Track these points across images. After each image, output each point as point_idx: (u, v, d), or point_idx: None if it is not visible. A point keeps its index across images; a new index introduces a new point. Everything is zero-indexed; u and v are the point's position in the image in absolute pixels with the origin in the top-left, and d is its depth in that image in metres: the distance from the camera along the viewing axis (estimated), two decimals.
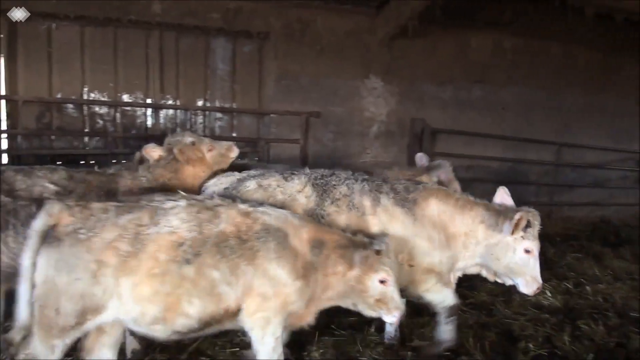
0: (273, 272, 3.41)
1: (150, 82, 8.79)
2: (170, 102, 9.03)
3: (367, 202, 4.25)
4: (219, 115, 9.34)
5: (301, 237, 3.58)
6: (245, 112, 9.42)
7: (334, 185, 4.37)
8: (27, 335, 3.20)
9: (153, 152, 4.84)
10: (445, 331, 4.53)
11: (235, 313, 3.45)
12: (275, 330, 3.51)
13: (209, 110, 9.22)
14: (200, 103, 9.18)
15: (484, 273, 4.52)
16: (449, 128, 10.44)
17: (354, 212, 4.22)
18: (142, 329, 3.42)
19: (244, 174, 4.66)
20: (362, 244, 3.65)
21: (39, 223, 3.20)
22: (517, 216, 4.03)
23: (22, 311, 3.19)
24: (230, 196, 4.12)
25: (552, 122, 11.94)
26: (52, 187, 4.04)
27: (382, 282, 3.59)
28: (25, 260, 3.18)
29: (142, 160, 4.87)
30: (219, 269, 3.31)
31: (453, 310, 4.51)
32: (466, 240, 4.29)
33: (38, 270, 3.16)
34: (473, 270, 4.56)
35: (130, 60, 8.71)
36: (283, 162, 8.84)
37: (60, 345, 3.23)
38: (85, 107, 8.68)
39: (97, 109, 8.75)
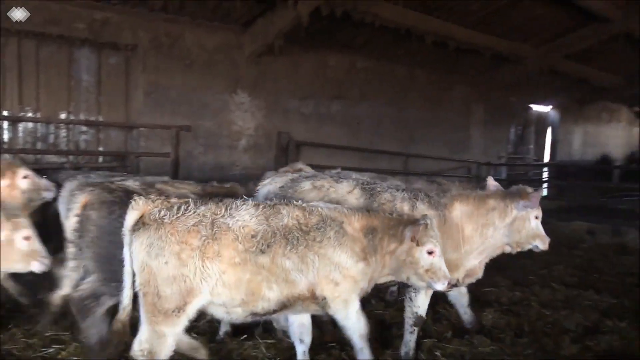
0: (337, 258, 3.84)
1: (7, 92, 8.17)
2: (29, 114, 8.44)
3: (406, 207, 4.81)
4: (84, 128, 8.96)
5: (353, 224, 4.01)
6: (113, 126, 9.16)
7: (379, 191, 4.91)
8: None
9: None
10: (408, 340, 5.00)
11: (309, 297, 3.87)
12: (354, 305, 4.03)
13: (73, 123, 8.80)
14: (63, 116, 8.71)
15: (508, 249, 5.13)
16: (311, 141, 11.19)
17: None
18: (221, 312, 3.78)
19: (296, 175, 5.13)
20: (410, 221, 4.12)
21: (129, 219, 3.57)
22: (530, 192, 4.87)
23: (125, 296, 3.66)
24: (286, 195, 4.71)
25: (399, 134, 13.34)
26: (193, 196, 4.62)
27: (430, 253, 4.03)
28: (125, 254, 3.60)
29: None
30: (290, 258, 3.70)
31: (420, 321, 5.00)
32: (483, 231, 4.88)
33: (135, 260, 3.53)
34: (498, 252, 5.15)
35: None
36: (153, 176, 8.84)
37: (170, 333, 3.55)
38: None
39: None
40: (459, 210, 4.91)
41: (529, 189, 4.96)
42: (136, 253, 3.51)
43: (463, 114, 15.30)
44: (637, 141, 25.88)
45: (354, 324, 4.08)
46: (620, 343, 5.46)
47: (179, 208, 3.59)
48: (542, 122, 19.43)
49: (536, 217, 4.99)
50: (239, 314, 3.80)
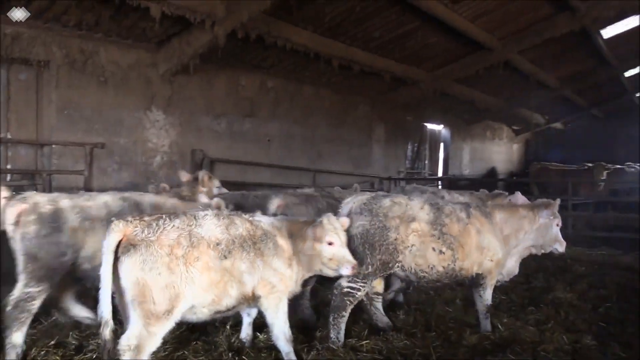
0: (275, 265, 4.58)
1: None
2: None
3: (464, 215, 5.88)
4: None
5: (283, 234, 4.75)
6: (23, 143, 8.87)
7: (442, 205, 5.96)
8: (114, 330, 3.92)
9: None
10: (486, 324, 6.27)
11: (251, 297, 4.54)
12: (284, 306, 4.75)
13: None
14: None
15: (534, 251, 6.32)
16: (224, 157, 11.47)
17: (460, 223, 5.82)
18: (189, 313, 4.26)
19: (373, 193, 6.14)
20: (311, 222, 4.84)
21: (110, 240, 3.90)
22: (553, 203, 6.07)
23: (104, 310, 3.87)
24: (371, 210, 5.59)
25: (308, 151, 13.98)
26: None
27: (330, 244, 4.72)
28: (104, 272, 3.87)
29: None
30: (244, 262, 4.35)
31: (489, 308, 6.26)
32: (517, 234, 6.06)
33: (126, 276, 3.95)
34: (526, 253, 6.34)
35: None
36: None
37: (159, 332, 4.04)
38: None
39: None
40: (499, 217, 6.08)
41: (552, 202, 6.13)
42: (128, 271, 3.91)
43: (365, 132, 16.29)
44: (516, 156, 28.68)
45: (281, 324, 4.72)
46: (509, 333, 6.33)
47: (157, 224, 4.02)
48: (435, 139, 21.04)
49: (557, 225, 6.13)
50: (205, 314, 4.33)
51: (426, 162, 20.34)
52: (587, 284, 8.89)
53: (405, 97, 16.49)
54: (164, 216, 4.14)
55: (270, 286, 4.57)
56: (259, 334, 5.66)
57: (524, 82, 18.00)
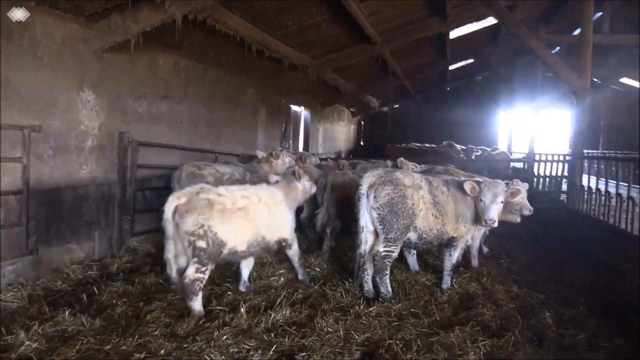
0: None
1: None
2: None
3: (445, 189, 7.39)
4: None
5: None
6: None
7: (432, 180, 7.42)
8: None
9: None
10: (447, 280, 7.76)
11: None
12: None
13: None
14: None
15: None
16: (147, 141, 10.95)
17: (444, 195, 7.32)
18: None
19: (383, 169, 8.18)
20: None
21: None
22: (466, 185, 7.19)
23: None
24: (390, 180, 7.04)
25: (210, 133, 13.92)
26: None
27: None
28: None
29: None
30: None
31: (454, 267, 7.83)
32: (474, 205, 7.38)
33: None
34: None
35: None
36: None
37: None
38: None
39: None
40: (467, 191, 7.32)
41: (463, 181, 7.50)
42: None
43: (252, 115, 16.62)
44: (352, 135, 31.40)
45: None
46: (462, 289, 7.79)
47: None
48: (297, 120, 22.13)
49: (481, 200, 7.09)
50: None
51: (290, 141, 21.31)
52: None
53: (290, 82, 17.18)
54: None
55: None
56: None
57: (383, 72, 20.06)
